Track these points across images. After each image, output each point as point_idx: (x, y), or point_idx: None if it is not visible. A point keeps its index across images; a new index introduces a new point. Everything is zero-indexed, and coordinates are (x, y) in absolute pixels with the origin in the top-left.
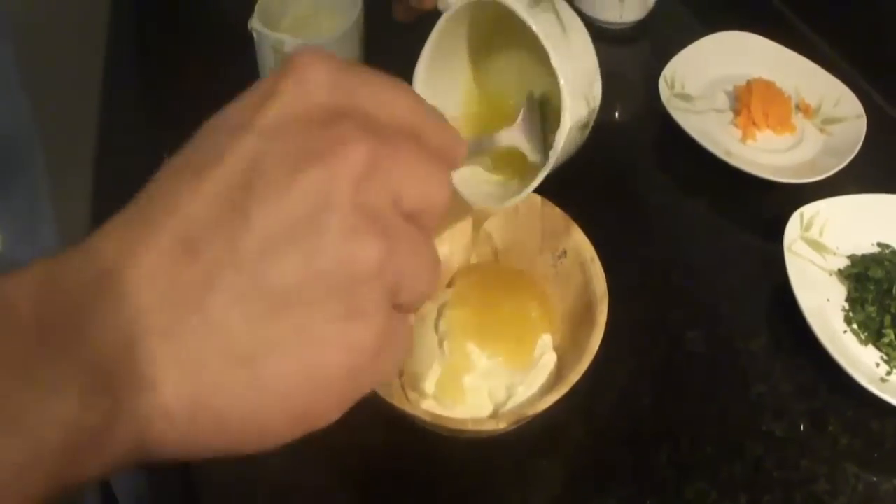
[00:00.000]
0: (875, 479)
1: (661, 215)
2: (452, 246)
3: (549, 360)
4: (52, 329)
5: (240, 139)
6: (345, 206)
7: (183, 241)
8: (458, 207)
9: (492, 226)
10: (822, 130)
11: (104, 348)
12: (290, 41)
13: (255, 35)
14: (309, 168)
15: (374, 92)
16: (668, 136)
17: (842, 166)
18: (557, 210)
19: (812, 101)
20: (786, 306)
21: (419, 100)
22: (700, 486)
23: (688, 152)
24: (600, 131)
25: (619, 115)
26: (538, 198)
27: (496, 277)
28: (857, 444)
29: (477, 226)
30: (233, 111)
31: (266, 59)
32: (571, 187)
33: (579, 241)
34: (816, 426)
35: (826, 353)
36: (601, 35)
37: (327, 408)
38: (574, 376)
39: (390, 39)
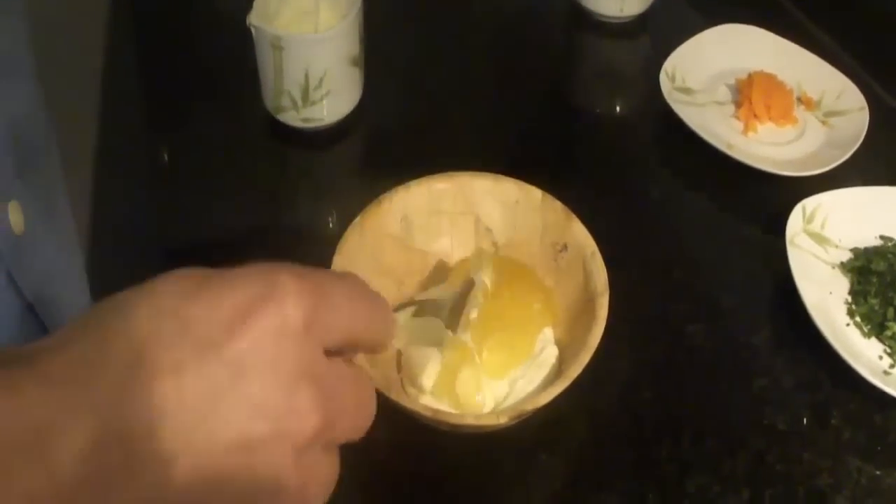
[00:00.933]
0: (878, 472)
1: (662, 209)
2: (453, 240)
3: (551, 354)
4: None
5: (205, 362)
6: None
7: (124, 448)
8: (459, 201)
9: (492, 220)
10: (824, 123)
11: None
12: (288, 36)
13: (253, 30)
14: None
15: (337, 315)
16: (670, 129)
17: (844, 159)
18: (558, 204)
19: (814, 94)
20: (788, 299)
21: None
22: (702, 480)
23: (689, 145)
24: (601, 125)
25: (620, 109)
26: (538, 192)
27: (499, 269)
28: (859, 437)
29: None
30: (200, 315)
31: (265, 54)
32: (572, 181)
33: (580, 234)
34: (819, 420)
35: (829, 347)
36: (602, 29)
37: None
38: (575, 370)
39: (389, 34)
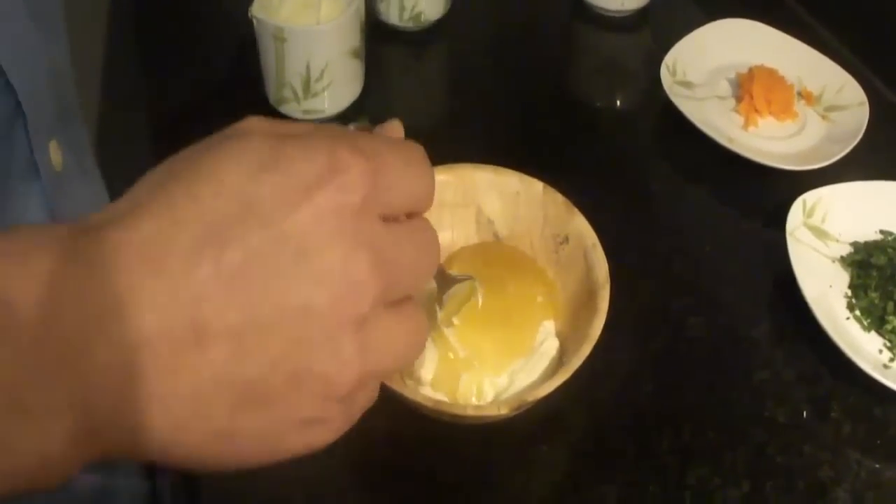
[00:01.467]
0: (878, 465)
1: (662, 202)
2: (455, 232)
3: (551, 346)
4: (49, 353)
5: (270, 238)
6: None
7: (192, 321)
8: (460, 193)
9: (493, 212)
10: (824, 118)
11: (98, 384)
12: (290, 28)
13: (255, 22)
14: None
15: (394, 188)
16: (670, 123)
17: (844, 153)
18: (559, 196)
19: (814, 89)
20: (788, 293)
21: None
22: (702, 472)
23: (690, 139)
24: (602, 119)
25: (621, 103)
26: (540, 184)
27: (500, 258)
28: (859, 430)
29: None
30: (265, 195)
31: (266, 45)
32: (573, 174)
33: (581, 227)
34: (819, 413)
35: (829, 340)
36: (603, 23)
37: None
38: (576, 362)
39: (391, 27)
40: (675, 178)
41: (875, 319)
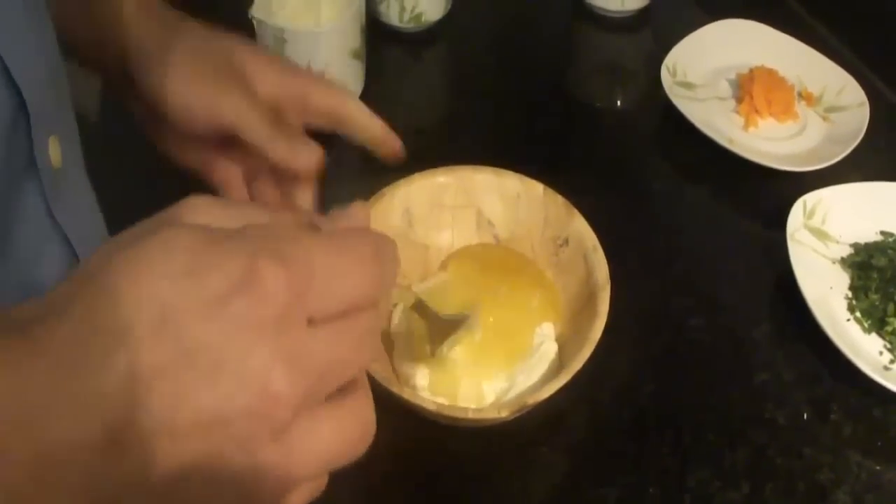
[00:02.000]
0: (878, 467)
1: (663, 203)
2: (455, 234)
3: (550, 349)
4: None
5: (183, 350)
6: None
7: (106, 428)
8: (460, 195)
9: (493, 213)
10: (824, 118)
11: (11, 488)
12: (290, 29)
13: (255, 23)
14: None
15: (325, 293)
16: (671, 124)
17: (845, 154)
18: (560, 198)
19: (815, 90)
20: (788, 294)
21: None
22: (702, 474)
23: (690, 140)
24: (603, 119)
25: (622, 104)
26: (540, 186)
27: (499, 261)
28: (860, 432)
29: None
30: (181, 302)
31: (267, 47)
32: (573, 175)
33: (581, 229)
34: (819, 414)
35: (829, 342)
36: (603, 23)
37: None
38: (576, 365)
39: (391, 28)
40: (675, 179)
41: (875, 321)
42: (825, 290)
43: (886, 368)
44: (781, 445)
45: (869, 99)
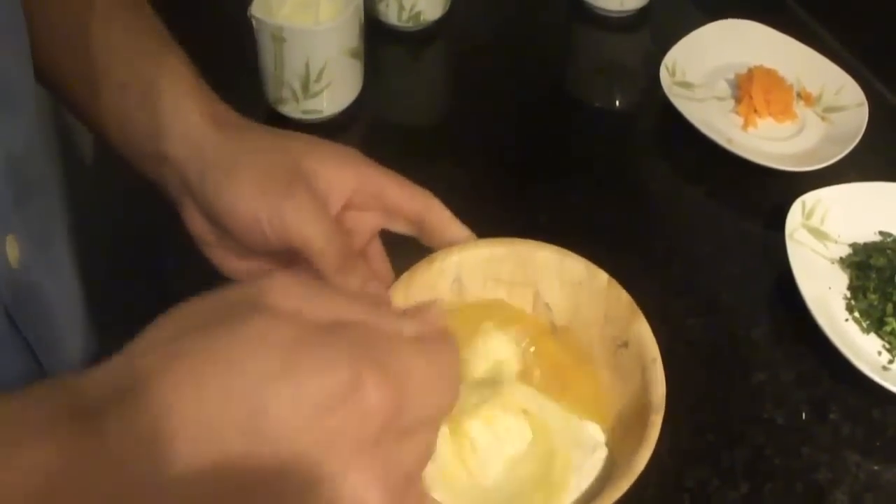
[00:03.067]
0: (876, 467)
1: (662, 203)
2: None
3: (598, 459)
4: None
5: (278, 459)
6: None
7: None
8: (518, 272)
9: (552, 297)
10: (823, 119)
11: None
12: (289, 28)
13: (254, 22)
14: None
15: (417, 408)
16: (670, 123)
17: (843, 154)
18: (624, 294)
19: (813, 90)
20: (787, 294)
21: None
22: (701, 473)
23: (689, 140)
24: (601, 119)
25: (620, 103)
26: (605, 276)
27: (550, 355)
28: (858, 432)
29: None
30: (276, 411)
31: (266, 45)
32: (572, 175)
33: (643, 334)
34: (818, 414)
35: (828, 342)
36: (602, 23)
37: None
38: (612, 495)
39: (390, 27)
40: (673, 179)
41: (874, 321)
42: (824, 290)
43: (885, 368)
44: (780, 445)
45: (868, 99)
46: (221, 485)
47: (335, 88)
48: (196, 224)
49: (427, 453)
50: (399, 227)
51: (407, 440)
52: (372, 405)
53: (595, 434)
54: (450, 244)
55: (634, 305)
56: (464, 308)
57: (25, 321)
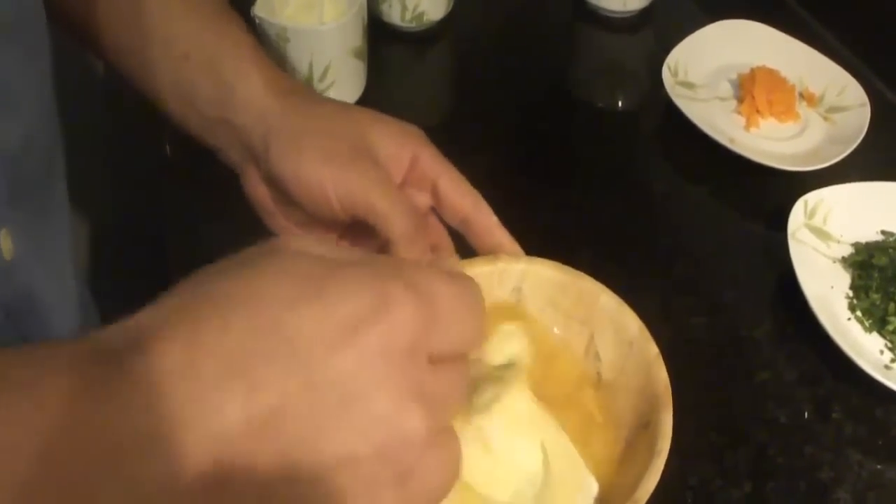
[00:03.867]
0: (879, 466)
1: (664, 203)
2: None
3: None
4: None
5: (308, 381)
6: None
7: (217, 466)
8: (579, 308)
9: (604, 348)
10: (825, 119)
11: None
12: (293, 28)
13: (258, 22)
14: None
15: (445, 331)
16: (672, 124)
17: (845, 154)
18: (663, 376)
19: (816, 90)
20: (790, 294)
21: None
22: (704, 472)
23: (691, 140)
24: (604, 119)
25: (623, 104)
26: (654, 349)
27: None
28: (861, 431)
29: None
30: (304, 330)
31: (269, 45)
32: (575, 174)
33: (665, 427)
34: (820, 413)
35: (830, 341)
36: (605, 23)
37: None
38: None
39: (393, 27)
40: (676, 179)
41: (876, 320)
42: (826, 290)
43: (887, 367)
44: (783, 444)
45: (870, 99)
46: (250, 415)
47: (339, 88)
48: (258, 191)
49: (460, 386)
50: (446, 216)
51: (439, 368)
52: (400, 319)
53: (593, 489)
54: (493, 250)
55: (669, 390)
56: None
57: (19, 314)
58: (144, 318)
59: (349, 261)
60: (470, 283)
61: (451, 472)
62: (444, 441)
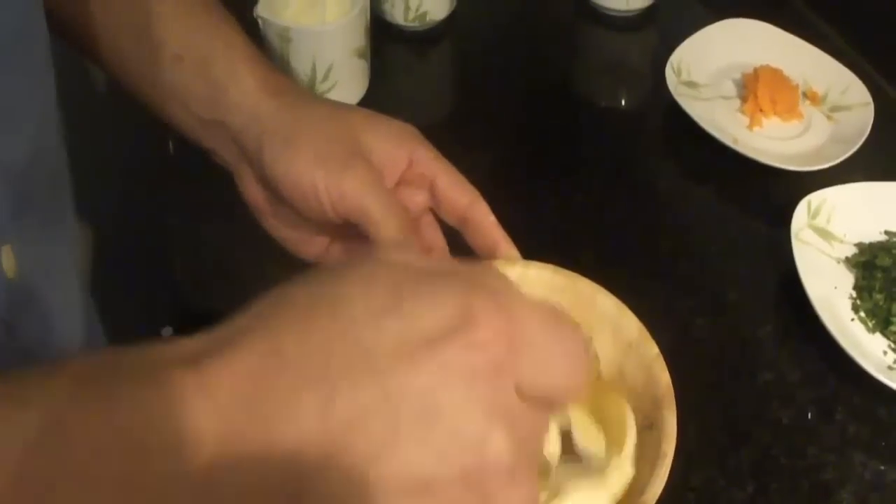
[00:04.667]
0: (882, 467)
1: (667, 203)
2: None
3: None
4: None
5: (387, 397)
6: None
7: (291, 480)
8: (576, 310)
9: (603, 352)
10: (829, 118)
11: None
12: (295, 28)
13: (260, 22)
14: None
15: (535, 362)
16: (675, 123)
17: (849, 154)
18: (665, 376)
19: (819, 89)
20: (793, 294)
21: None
22: (707, 473)
23: (695, 140)
24: (607, 118)
25: (626, 103)
26: (654, 349)
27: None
28: (864, 432)
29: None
30: (384, 342)
31: (272, 45)
32: (578, 174)
33: (669, 428)
34: (824, 414)
35: (833, 341)
36: (608, 23)
37: None
38: None
39: (396, 27)
40: (679, 179)
41: (880, 321)
42: (829, 290)
43: (891, 368)
44: (786, 445)
45: (874, 98)
46: (325, 427)
47: (341, 88)
48: (252, 192)
49: (545, 431)
50: (444, 215)
51: (527, 404)
52: (483, 337)
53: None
54: (489, 249)
55: (671, 391)
56: None
57: (24, 331)
58: (220, 329)
59: (438, 271)
60: (575, 329)
61: None
62: (526, 480)
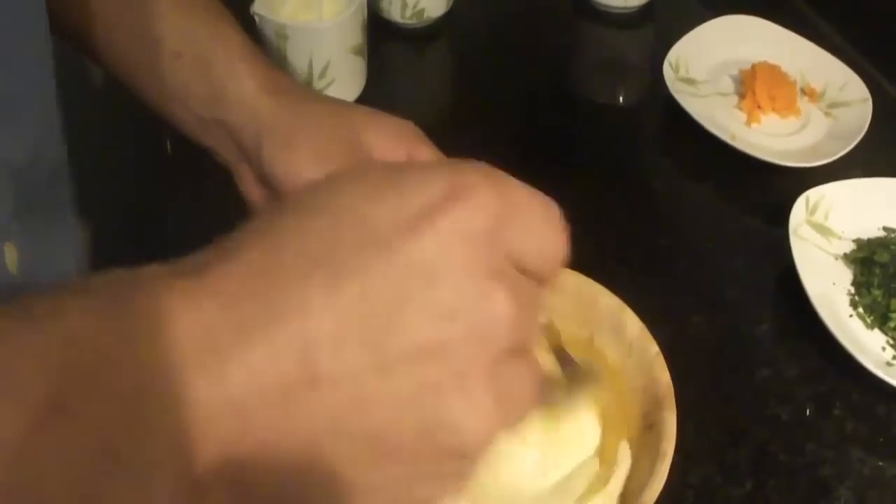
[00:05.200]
0: (881, 463)
1: (665, 199)
2: None
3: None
4: (150, 403)
5: (390, 264)
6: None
7: (305, 360)
8: (579, 314)
9: (605, 348)
10: (827, 114)
11: (203, 431)
12: (292, 25)
13: (257, 19)
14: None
15: (524, 234)
16: (673, 120)
17: (847, 150)
18: (665, 376)
19: (817, 85)
20: (791, 290)
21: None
22: (705, 470)
23: (692, 136)
24: (605, 115)
25: (624, 100)
26: (654, 348)
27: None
28: (862, 428)
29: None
30: (383, 216)
31: (269, 42)
32: (575, 171)
33: (669, 428)
34: (822, 410)
35: (832, 338)
36: (606, 19)
37: None
38: None
39: (393, 24)
40: (677, 175)
41: (878, 317)
42: (828, 286)
43: (889, 364)
44: (784, 442)
45: (872, 94)
46: (334, 303)
47: (339, 86)
48: (251, 190)
49: (538, 309)
50: None
51: (521, 274)
52: (476, 203)
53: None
54: None
55: (671, 391)
56: None
57: None
58: (222, 242)
59: (425, 163)
60: (552, 203)
61: (534, 387)
62: (527, 354)
